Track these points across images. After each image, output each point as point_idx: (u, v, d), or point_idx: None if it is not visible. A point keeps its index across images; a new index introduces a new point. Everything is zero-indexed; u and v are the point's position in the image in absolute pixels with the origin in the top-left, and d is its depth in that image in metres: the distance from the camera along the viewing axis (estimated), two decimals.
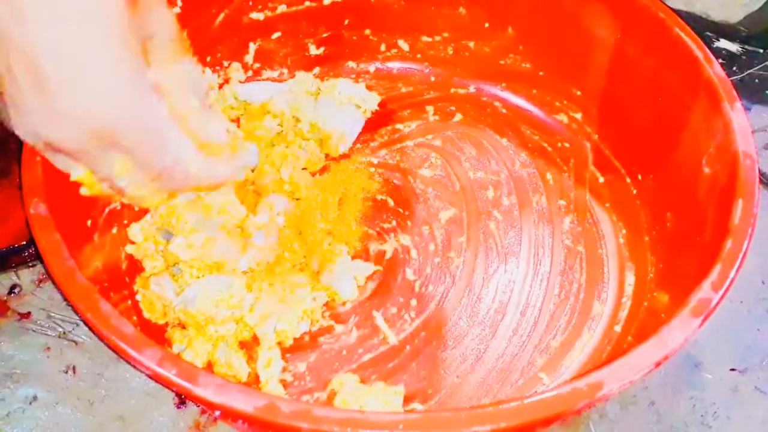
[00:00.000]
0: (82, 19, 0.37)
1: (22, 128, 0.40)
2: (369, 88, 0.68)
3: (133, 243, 0.57)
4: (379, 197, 0.63)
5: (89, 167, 0.42)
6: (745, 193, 0.47)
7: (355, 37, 0.69)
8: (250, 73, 0.67)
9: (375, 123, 0.67)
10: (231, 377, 0.52)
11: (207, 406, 0.43)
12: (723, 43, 0.75)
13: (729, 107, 0.51)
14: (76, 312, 0.42)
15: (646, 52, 0.58)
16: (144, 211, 0.58)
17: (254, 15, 0.65)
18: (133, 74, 0.39)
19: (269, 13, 0.65)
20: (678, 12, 0.57)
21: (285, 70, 0.69)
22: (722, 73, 0.53)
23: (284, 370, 0.53)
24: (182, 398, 0.52)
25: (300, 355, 0.54)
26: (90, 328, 0.41)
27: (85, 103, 0.38)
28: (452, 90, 0.70)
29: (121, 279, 0.55)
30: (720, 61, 0.54)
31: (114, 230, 0.56)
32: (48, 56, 0.37)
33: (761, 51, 0.75)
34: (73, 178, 0.43)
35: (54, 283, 0.43)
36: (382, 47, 0.70)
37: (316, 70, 0.70)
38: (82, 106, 0.38)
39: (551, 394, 0.38)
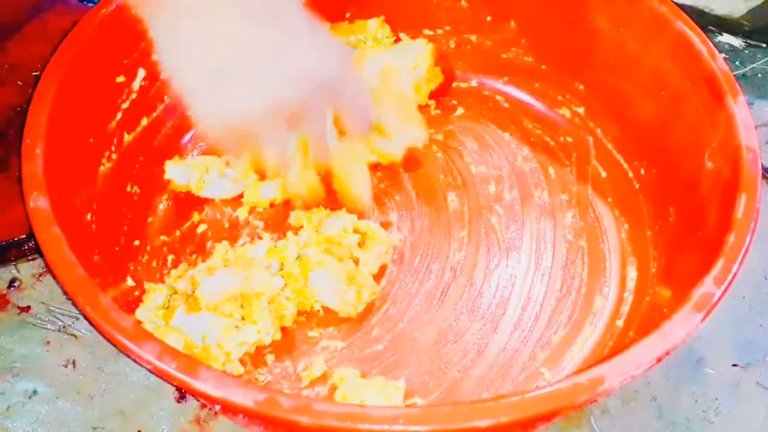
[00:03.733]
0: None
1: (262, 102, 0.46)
2: None
3: None
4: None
5: (307, 132, 0.49)
6: (747, 188, 0.47)
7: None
8: None
9: None
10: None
11: (207, 400, 0.43)
12: (726, 38, 0.74)
13: (732, 101, 0.51)
14: (75, 306, 0.42)
15: (648, 45, 0.58)
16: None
17: None
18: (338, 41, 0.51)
19: None
20: (681, 6, 0.56)
21: None
22: (725, 67, 0.53)
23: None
24: (182, 392, 0.52)
25: (301, 349, 0.54)
26: (89, 322, 0.41)
27: (317, 62, 0.47)
28: (454, 84, 0.70)
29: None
30: (723, 55, 0.53)
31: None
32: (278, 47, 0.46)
33: (764, 46, 0.74)
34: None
35: (54, 276, 0.43)
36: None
37: None
38: (319, 66, 0.47)
39: (552, 388, 0.38)
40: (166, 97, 0.61)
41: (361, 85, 0.53)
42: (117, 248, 0.56)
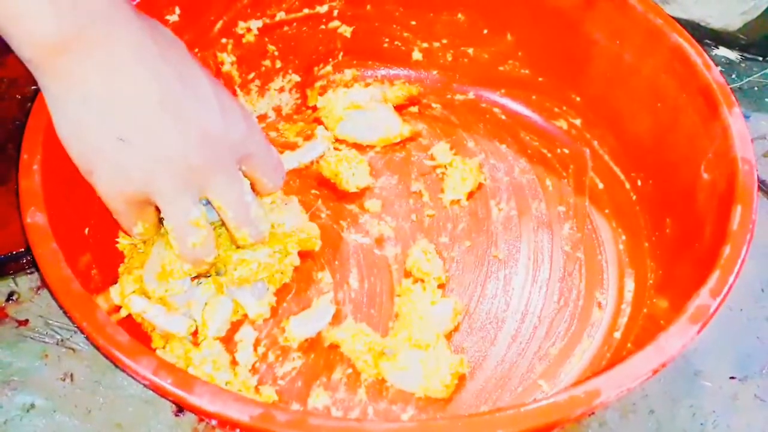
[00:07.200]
0: None
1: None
2: None
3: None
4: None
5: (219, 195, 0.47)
6: (743, 199, 0.47)
7: (353, 44, 0.69)
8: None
9: None
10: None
11: (202, 415, 0.43)
12: (722, 51, 0.75)
13: (727, 112, 0.51)
14: (72, 321, 0.42)
15: (644, 57, 0.58)
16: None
17: (253, 23, 0.65)
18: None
19: (268, 21, 0.65)
20: (677, 20, 0.57)
21: (281, 78, 0.69)
22: (721, 79, 0.53)
23: (275, 381, 0.53)
24: (180, 406, 0.52)
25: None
26: (86, 337, 0.41)
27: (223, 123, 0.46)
28: (451, 96, 0.70)
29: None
30: (719, 68, 0.54)
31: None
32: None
33: (760, 59, 0.74)
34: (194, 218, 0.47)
35: (50, 292, 0.43)
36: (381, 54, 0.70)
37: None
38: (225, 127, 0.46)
39: (548, 401, 0.38)
40: None
41: (269, 145, 0.51)
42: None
